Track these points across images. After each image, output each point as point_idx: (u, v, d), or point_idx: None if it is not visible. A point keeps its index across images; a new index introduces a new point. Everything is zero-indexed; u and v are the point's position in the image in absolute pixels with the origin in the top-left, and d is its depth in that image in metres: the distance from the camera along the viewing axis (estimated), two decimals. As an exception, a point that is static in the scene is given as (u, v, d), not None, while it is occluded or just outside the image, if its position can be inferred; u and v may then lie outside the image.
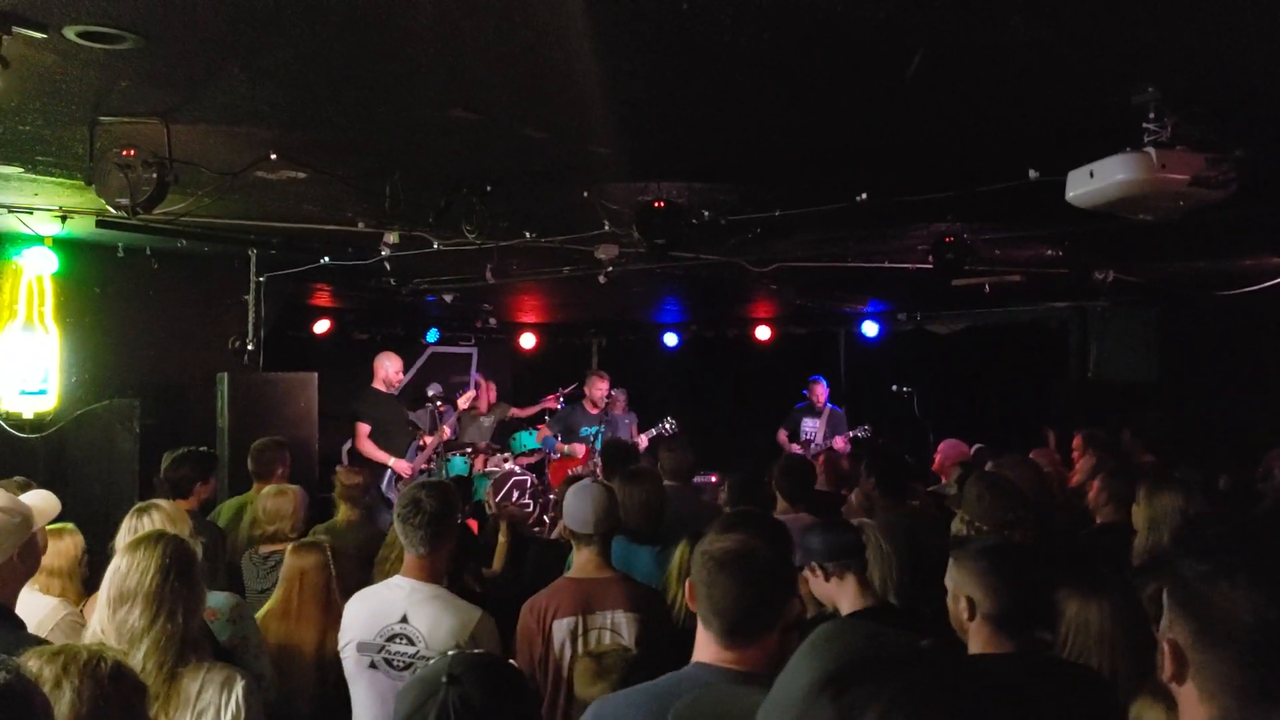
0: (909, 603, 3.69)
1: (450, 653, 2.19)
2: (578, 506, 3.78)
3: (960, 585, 2.83)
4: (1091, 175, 3.95)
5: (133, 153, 4.27)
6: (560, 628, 3.58)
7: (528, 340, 13.86)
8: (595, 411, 10.40)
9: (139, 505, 3.90)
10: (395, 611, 3.43)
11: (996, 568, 2.77)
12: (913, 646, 1.06)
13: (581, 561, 3.79)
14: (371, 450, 8.64)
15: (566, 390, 11.31)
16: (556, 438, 10.43)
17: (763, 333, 12.96)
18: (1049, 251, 7.59)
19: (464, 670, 2.08)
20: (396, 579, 3.58)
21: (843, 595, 3.47)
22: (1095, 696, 2.71)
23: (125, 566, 2.80)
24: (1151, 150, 3.75)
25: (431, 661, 2.33)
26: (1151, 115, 3.79)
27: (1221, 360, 9.21)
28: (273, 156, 4.71)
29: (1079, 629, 2.99)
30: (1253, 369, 8.95)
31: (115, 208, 4.38)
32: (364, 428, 8.68)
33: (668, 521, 4.63)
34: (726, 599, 2.21)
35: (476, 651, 2.34)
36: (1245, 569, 1.44)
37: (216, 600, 3.75)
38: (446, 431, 9.51)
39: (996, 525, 4.13)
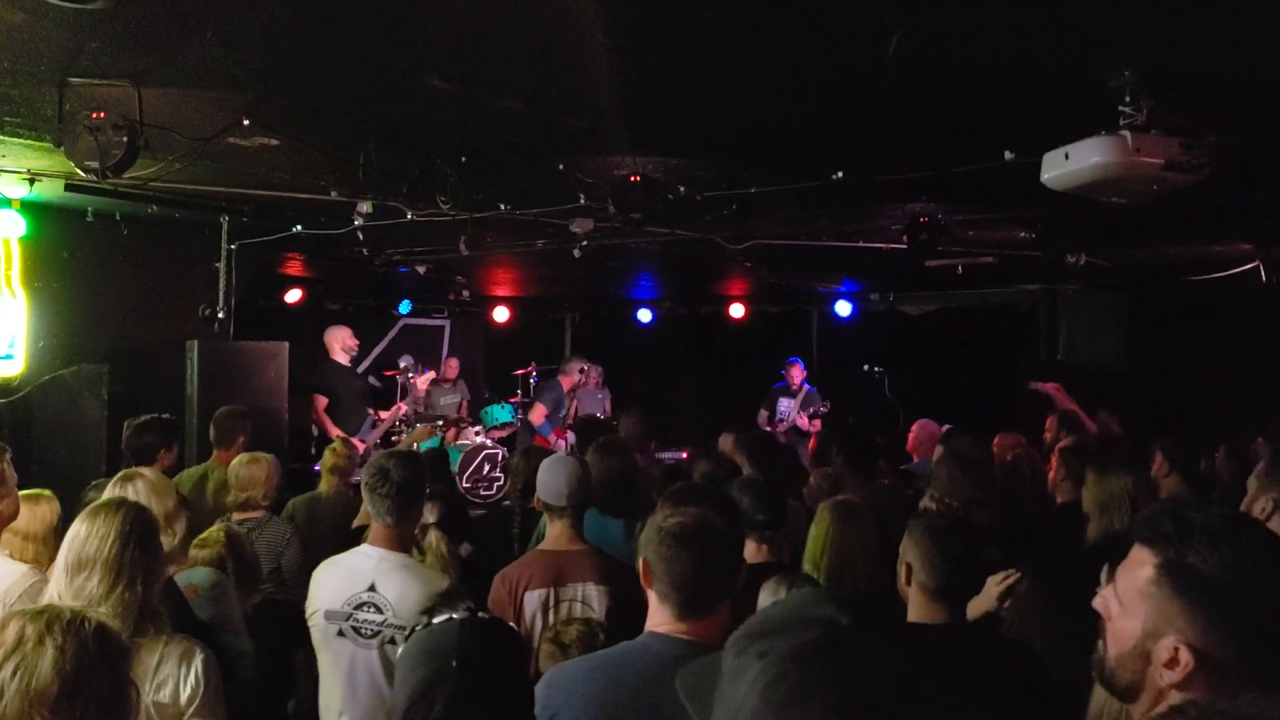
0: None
1: (458, 616, 2.12)
2: (551, 478, 3.79)
3: (906, 551, 2.96)
4: (1067, 157, 3.98)
5: (103, 115, 4.21)
6: (531, 599, 3.59)
7: (501, 314, 13.80)
8: (568, 389, 10.11)
9: (123, 473, 3.76)
10: (363, 580, 3.43)
11: (937, 543, 2.88)
12: (831, 616, 1.04)
13: (554, 534, 3.79)
14: (328, 424, 8.60)
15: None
16: (552, 423, 9.78)
17: (736, 310, 12.98)
18: (1022, 234, 7.63)
19: (475, 650, 2.03)
20: (365, 548, 3.57)
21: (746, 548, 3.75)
22: (1028, 671, 2.75)
23: (84, 533, 2.73)
24: (1127, 134, 3.78)
25: (439, 622, 2.21)
26: (1127, 99, 3.82)
27: (1189, 345, 9.33)
28: (245, 122, 4.65)
29: (1021, 606, 3.08)
30: (1220, 354, 9.06)
31: (84, 171, 4.32)
32: (321, 400, 8.63)
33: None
34: (686, 573, 2.23)
35: (485, 619, 2.26)
36: (1264, 552, 1.38)
37: (198, 576, 3.64)
38: (403, 407, 9.42)
39: (965, 502, 4.18)
